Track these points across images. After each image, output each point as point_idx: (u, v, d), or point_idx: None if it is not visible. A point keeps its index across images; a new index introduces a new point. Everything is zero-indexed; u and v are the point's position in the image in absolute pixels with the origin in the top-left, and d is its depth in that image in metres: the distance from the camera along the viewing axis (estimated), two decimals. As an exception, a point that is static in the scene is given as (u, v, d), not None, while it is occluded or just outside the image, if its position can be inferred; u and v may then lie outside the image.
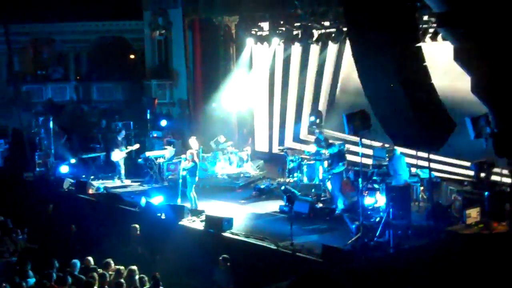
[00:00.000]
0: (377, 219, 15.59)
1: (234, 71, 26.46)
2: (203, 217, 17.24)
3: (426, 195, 18.02)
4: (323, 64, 25.02)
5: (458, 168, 20.12)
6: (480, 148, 16.13)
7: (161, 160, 22.20)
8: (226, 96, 25.96)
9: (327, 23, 22.95)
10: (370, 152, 19.59)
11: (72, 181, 21.38)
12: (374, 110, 14.90)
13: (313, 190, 19.29)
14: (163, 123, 25.64)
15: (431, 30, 19.89)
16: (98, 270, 14.13)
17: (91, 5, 28.90)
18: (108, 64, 31.35)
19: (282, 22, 24.30)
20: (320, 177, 19.86)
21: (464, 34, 14.13)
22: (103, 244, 16.59)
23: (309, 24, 23.27)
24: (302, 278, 6.99)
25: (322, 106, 25.41)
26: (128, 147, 22.75)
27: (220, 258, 14.58)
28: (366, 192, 16.90)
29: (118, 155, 22.26)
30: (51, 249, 16.31)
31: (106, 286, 13.49)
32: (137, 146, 23.02)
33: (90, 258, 14.74)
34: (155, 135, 24.73)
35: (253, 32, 25.37)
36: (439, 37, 19.01)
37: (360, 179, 16.16)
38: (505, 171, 17.14)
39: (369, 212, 16.47)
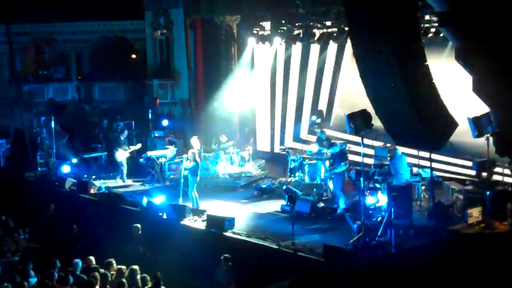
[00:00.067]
0: (379, 219, 15.56)
1: (236, 71, 26.47)
2: (204, 217, 17.24)
3: (428, 195, 17.99)
4: (324, 64, 25.02)
5: (460, 168, 20.14)
6: (481, 147, 16.15)
7: (162, 160, 22.21)
8: (228, 96, 25.98)
9: (328, 23, 22.97)
10: (371, 151, 19.57)
11: (74, 181, 21.39)
12: (376, 109, 14.88)
13: (314, 190, 19.28)
14: (165, 122, 25.65)
15: (432, 30, 19.91)
16: (100, 269, 14.15)
17: (92, 5, 28.95)
18: (109, 64, 31.33)
19: (283, 22, 24.33)
20: (322, 176, 19.86)
21: (466, 33, 14.13)
22: (104, 244, 16.59)
23: (311, 24, 23.29)
24: (302, 277, 7.00)
25: (323, 105, 25.39)
26: (130, 146, 22.76)
27: (222, 257, 14.57)
28: (368, 191, 16.90)
29: (122, 155, 22.28)
30: (52, 248, 16.33)
31: (108, 286, 13.51)
32: (139, 146, 23.02)
33: (92, 258, 14.75)
34: (156, 134, 24.73)
35: (255, 32, 25.39)
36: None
37: (361, 179, 16.15)
38: (507, 171, 17.14)
39: (370, 212, 16.46)
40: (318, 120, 23.89)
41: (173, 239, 16.61)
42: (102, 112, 28.86)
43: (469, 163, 18.58)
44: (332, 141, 19.63)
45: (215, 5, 25.93)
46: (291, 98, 25.77)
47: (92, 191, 20.64)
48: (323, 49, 24.55)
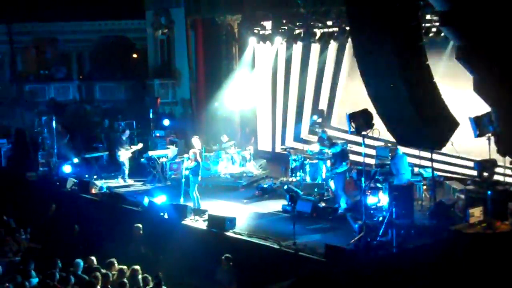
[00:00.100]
0: (380, 219, 15.54)
1: (237, 70, 26.48)
2: (205, 217, 17.24)
3: (429, 194, 18.01)
4: (324, 63, 24.99)
5: (461, 168, 20.12)
6: (483, 147, 16.14)
7: (164, 160, 22.21)
8: (229, 95, 25.98)
9: (329, 22, 22.96)
10: (373, 151, 19.57)
11: (75, 180, 21.39)
12: (377, 109, 14.88)
13: (316, 190, 19.28)
14: (166, 122, 25.66)
15: (433, 29, 19.89)
16: (101, 269, 14.14)
17: (93, 4, 28.98)
18: (110, 63, 31.36)
19: (284, 21, 24.32)
20: (324, 176, 19.85)
21: (466, 33, 14.11)
22: (106, 244, 16.57)
23: (312, 23, 23.28)
24: (302, 278, 7.00)
25: (324, 105, 25.36)
26: (132, 146, 22.77)
27: (223, 257, 14.57)
28: (369, 191, 16.89)
29: (125, 155, 22.30)
30: (54, 249, 16.27)
31: (109, 286, 13.50)
32: (140, 145, 23.02)
33: (93, 258, 14.74)
34: (157, 134, 24.72)
35: (256, 31, 25.39)
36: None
37: (363, 178, 16.15)
38: (508, 173, 17.15)
39: (372, 212, 16.44)
40: (319, 120, 23.88)
41: (174, 239, 16.61)
42: (103, 111, 28.87)
43: (470, 163, 18.57)
44: (333, 140, 19.61)
45: (216, 5, 25.92)
46: (292, 98, 25.76)
47: (93, 191, 20.63)
48: (323, 49, 24.52)
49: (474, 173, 17.75)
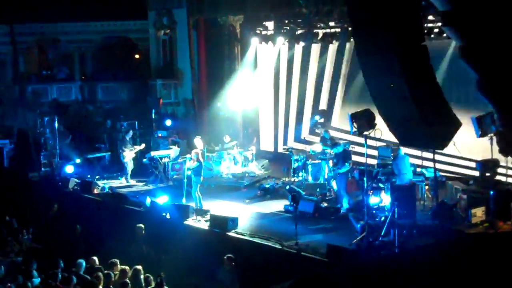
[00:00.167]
0: (382, 219, 15.54)
1: (239, 71, 26.51)
2: (208, 217, 17.23)
3: (431, 194, 18.01)
4: (325, 63, 24.98)
5: (464, 168, 20.10)
6: (485, 146, 16.13)
7: (166, 160, 22.22)
8: (231, 96, 26.00)
9: (331, 23, 22.95)
10: (375, 152, 19.55)
11: (77, 181, 21.39)
12: (379, 109, 14.86)
13: (318, 190, 19.29)
14: (168, 122, 25.65)
15: (436, 29, 19.88)
16: (103, 270, 14.14)
17: (96, 5, 28.96)
18: (113, 64, 31.39)
19: (286, 22, 24.32)
20: (326, 176, 19.85)
21: (469, 32, 14.09)
22: (108, 244, 16.57)
23: (314, 24, 23.27)
24: (303, 279, 6.99)
25: (324, 105, 25.34)
26: (135, 146, 22.79)
27: (225, 257, 14.57)
28: (371, 191, 16.89)
29: (128, 155, 22.31)
30: (56, 249, 16.29)
31: (111, 286, 13.50)
32: (143, 146, 23.03)
33: (95, 258, 14.74)
34: (160, 134, 24.72)
35: (258, 32, 25.40)
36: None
37: (365, 179, 16.13)
38: (511, 173, 17.12)
39: (374, 212, 16.43)
40: (321, 120, 23.87)
41: (176, 239, 16.61)
42: (105, 112, 28.89)
43: (473, 164, 18.55)
44: (336, 141, 19.61)
45: (218, 5, 25.93)
46: (294, 98, 25.76)
47: (95, 191, 20.64)
48: (324, 49, 24.51)
49: (476, 173, 17.74)
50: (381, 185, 17.29)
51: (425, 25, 19.60)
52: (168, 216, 17.70)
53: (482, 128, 16.01)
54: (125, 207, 19.10)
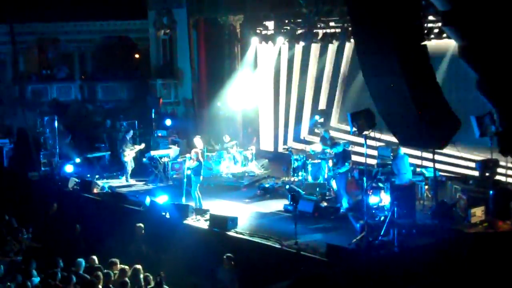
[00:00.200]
0: (382, 218, 15.56)
1: (239, 70, 26.50)
2: (207, 216, 17.24)
3: (431, 194, 18.02)
4: (324, 63, 24.97)
5: (463, 169, 20.09)
6: (485, 146, 16.12)
7: (166, 160, 22.22)
8: (231, 95, 25.98)
9: (332, 22, 22.94)
10: (374, 152, 19.55)
11: (77, 180, 21.40)
12: (379, 108, 14.87)
13: (317, 189, 19.29)
14: (168, 122, 25.64)
15: (436, 29, 19.87)
16: (103, 269, 14.14)
17: (96, 4, 28.94)
18: (113, 63, 31.39)
19: (287, 21, 24.30)
20: (326, 176, 19.85)
21: (468, 32, 14.09)
22: (107, 244, 16.58)
23: (314, 23, 23.26)
24: (302, 278, 6.98)
25: (326, 105, 25.33)
26: (135, 146, 22.80)
27: (225, 257, 14.58)
28: (371, 191, 16.89)
29: (130, 155, 22.32)
30: (55, 248, 16.31)
31: (110, 285, 13.50)
32: (142, 146, 23.01)
33: (95, 257, 14.76)
34: (160, 134, 24.73)
35: (258, 31, 25.39)
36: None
37: (365, 178, 16.13)
38: (510, 173, 17.12)
39: (373, 211, 16.44)
40: (321, 120, 23.85)
41: (176, 238, 16.61)
42: (105, 111, 28.88)
43: (473, 164, 18.55)
44: (335, 140, 19.61)
45: (219, 5, 25.93)
46: (294, 98, 25.75)
47: (95, 190, 20.65)
48: (324, 49, 24.49)
49: (476, 173, 17.74)
50: (380, 184, 17.31)
51: (425, 25, 19.59)
52: (167, 216, 17.71)
53: (481, 128, 16.00)
54: (124, 207, 19.11)
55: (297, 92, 25.59)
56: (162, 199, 18.41)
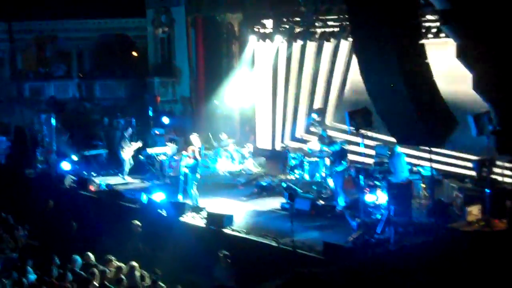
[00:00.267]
0: (378, 216, 15.58)
1: (237, 69, 26.42)
2: (204, 214, 17.28)
3: (428, 192, 18.00)
4: (323, 62, 24.93)
5: (460, 168, 20.08)
6: (482, 145, 16.10)
7: (163, 157, 22.19)
8: (229, 94, 25.95)
9: (330, 21, 22.90)
10: (372, 151, 19.55)
11: (74, 178, 21.38)
12: (376, 107, 14.87)
13: (314, 188, 19.30)
14: (166, 120, 25.61)
15: (434, 28, 19.85)
16: (99, 266, 14.13)
17: (94, 2, 28.98)
18: (111, 61, 31.37)
19: (285, 20, 24.26)
20: (323, 174, 19.85)
21: (466, 31, 14.09)
22: (104, 241, 16.59)
23: (312, 22, 23.22)
24: (297, 276, 6.99)
25: (323, 103, 25.31)
26: (132, 143, 22.77)
27: (221, 254, 14.58)
28: (368, 189, 16.90)
29: (128, 153, 22.31)
30: (52, 245, 16.31)
31: (106, 282, 13.50)
32: (140, 144, 22.96)
33: (91, 254, 14.75)
34: (157, 132, 24.71)
35: (256, 30, 25.33)
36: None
37: (361, 176, 16.13)
38: (507, 172, 17.11)
39: (370, 209, 16.47)
40: (319, 119, 23.85)
41: (172, 236, 16.62)
42: (103, 109, 28.85)
43: (469, 164, 18.54)
44: (332, 139, 19.60)
45: (217, 3, 25.93)
46: (292, 96, 25.72)
47: (92, 188, 20.64)
48: (322, 47, 24.45)
49: (473, 172, 17.73)
50: (377, 183, 17.31)
51: (423, 23, 19.58)
52: (164, 213, 17.71)
53: (479, 126, 15.98)
54: (121, 204, 19.14)
55: (295, 90, 25.54)
56: (159, 196, 18.40)
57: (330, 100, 24.78)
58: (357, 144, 16.00)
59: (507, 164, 16.78)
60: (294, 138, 25.28)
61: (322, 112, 24.61)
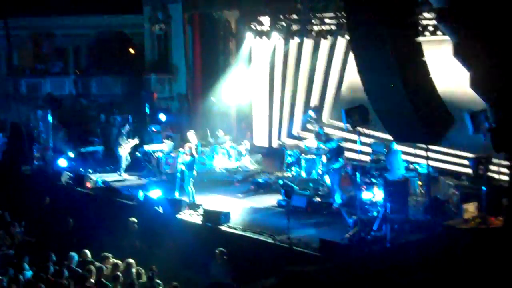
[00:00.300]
0: (375, 213, 15.59)
1: (234, 66, 26.41)
2: (200, 211, 17.29)
3: (424, 190, 18.03)
4: (320, 59, 24.93)
5: (456, 166, 20.11)
6: (478, 143, 16.11)
7: (159, 154, 22.19)
8: (225, 91, 25.94)
9: (327, 19, 22.91)
10: (368, 147, 19.56)
11: (70, 174, 21.37)
12: (373, 105, 14.88)
13: (311, 185, 19.32)
14: (162, 117, 25.60)
15: (430, 28, 19.87)
16: (96, 263, 14.13)
17: (91, -1, 28.97)
18: (107, 58, 31.37)
19: (282, 17, 24.25)
20: (320, 172, 19.87)
21: (463, 29, 14.09)
22: (100, 238, 16.56)
23: (309, 19, 23.23)
24: (292, 273, 7.01)
25: (319, 101, 25.31)
26: (129, 140, 22.76)
27: (217, 251, 14.57)
28: (364, 186, 16.91)
29: (125, 150, 22.30)
30: (48, 242, 16.30)
31: (103, 279, 13.49)
32: (137, 141, 22.94)
33: (87, 251, 14.75)
34: (154, 129, 24.70)
35: (253, 27, 25.31)
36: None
37: (358, 174, 16.15)
38: (503, 169, 17.12)
39: (366, 207, 16.46)
40: (315, 116, 23.85)
41: (169, 233, 16.63)
42: (99, 106, 28.86)
43: (466, 161, 18.57)
44: (330, 136, 19.61)
45: (214, 0, 25.88)
46: (289, 93, 25.72)
47: (88, 184, 20.63)
48: (317, 45, 24.45)
49: (469, 169, 17.74)
50: (374, 180, 17.33)
51: (420, 22, 19.58)
52: (161, 210, 17.71)
53: (475, 124, 16.00)
54: (118, 201, 19.14)
55: (292, 87, 25.54)
56: (155, 193, 18.40)
57: (327, 97, 24.76)
58: (354, 141, 15.96)
59: (503, 162, 16.75)
60: (290, 135, 25.29)
61: (318, 109, 24.60)
